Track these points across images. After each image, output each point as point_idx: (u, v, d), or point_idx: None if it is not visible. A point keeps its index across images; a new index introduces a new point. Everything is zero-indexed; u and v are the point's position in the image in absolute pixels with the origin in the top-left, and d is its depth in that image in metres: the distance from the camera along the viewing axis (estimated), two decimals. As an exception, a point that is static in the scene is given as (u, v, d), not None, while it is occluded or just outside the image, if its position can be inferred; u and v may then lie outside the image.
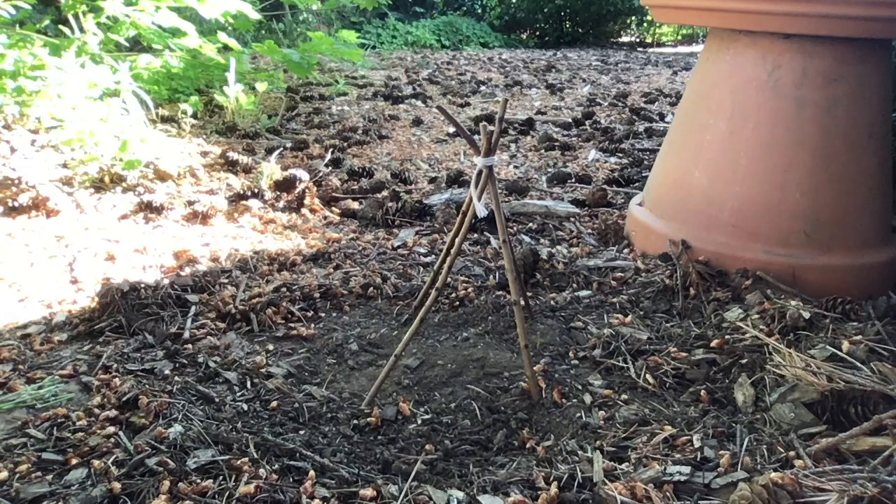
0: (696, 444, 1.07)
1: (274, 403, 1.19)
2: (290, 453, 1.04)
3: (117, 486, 0.95)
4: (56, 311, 1.51)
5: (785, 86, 1.61)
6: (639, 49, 9.78)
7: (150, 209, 2.12)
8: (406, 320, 1.53)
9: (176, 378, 1.24)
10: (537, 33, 10.08)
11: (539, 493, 0.96)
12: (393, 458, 1.06)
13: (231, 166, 2.64)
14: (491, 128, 1.12)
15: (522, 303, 1.41)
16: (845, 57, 1.58)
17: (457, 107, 4.26)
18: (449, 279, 1.69)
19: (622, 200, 2.47)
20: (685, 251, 1.68)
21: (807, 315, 1.38)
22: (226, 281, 1.67)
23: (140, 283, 1.53)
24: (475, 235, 2.07)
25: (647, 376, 1.29)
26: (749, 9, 1.59)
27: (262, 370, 1.30)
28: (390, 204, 2.22)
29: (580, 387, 1.26)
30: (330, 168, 2.79)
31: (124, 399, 1.14)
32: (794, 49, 1.60)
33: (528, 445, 1.12)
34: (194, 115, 3.35)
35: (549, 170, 2.90)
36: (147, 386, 1.17)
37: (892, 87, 1.70)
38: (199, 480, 0.97)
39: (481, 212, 1.05)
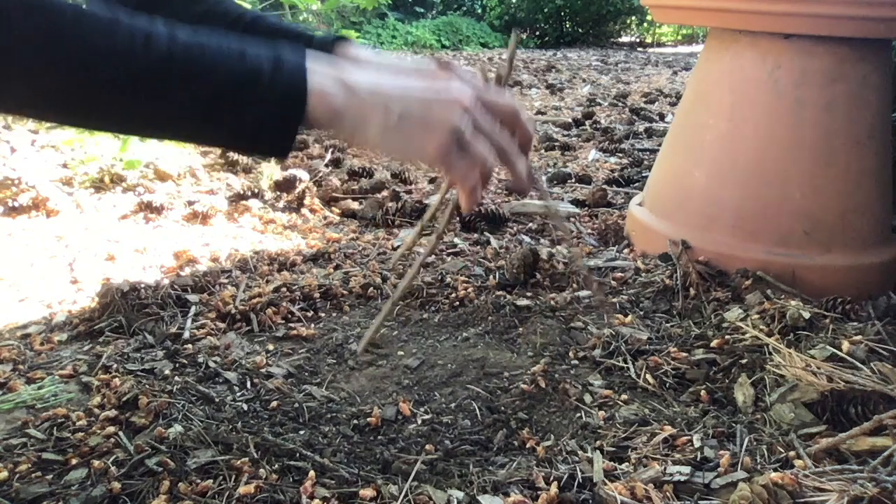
0: (696, 444, 1.07)
1: (274, 403, 1.19)
2: (290, 453, 1.04)
3: (117, 486, 0.95)
4: (56, 311, 1.51)
5: (785, 86, 1.61)
6: (639, 49, 9.78)
7: (150, 209, 2.12)
8: (405, 320, 1.53)
9: (176, 378, 1.24)
10: (537, 33, 10.09)
11: (539, 493, 0.96)
12: (393, 458, 1.06)
13: (231, 166, 2.64)
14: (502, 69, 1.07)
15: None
16: (845, 57, 1.58)
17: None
18: (449, 279, 1.69)
19: (622, 200, 2.48)
20: (685, 251, 1.68)
21: (807, 315, 1.38)
22: (226, 281, 1.67)
23: (140, 283, 1.54)
24: (475, 235, 2.07)
25: (647, 376, 1.29)
26: (749, 9, 1.59)
27: (262, 370, 1.30)
28: (390, 204, 2.22)
29: (580, 387, 1.26)
30: (330, 168, 2.79)
31: (124, 399, 1.14)
32: (794, 49, 1.60)
33: (528, 445, 1.12)
34: (194, 115, 3.35)
35: (549, 170, 2.90)
36: (147, 386, 1.17)
37: (892, 87, 1.70)
38: (199, 480, 0.97)
39: None
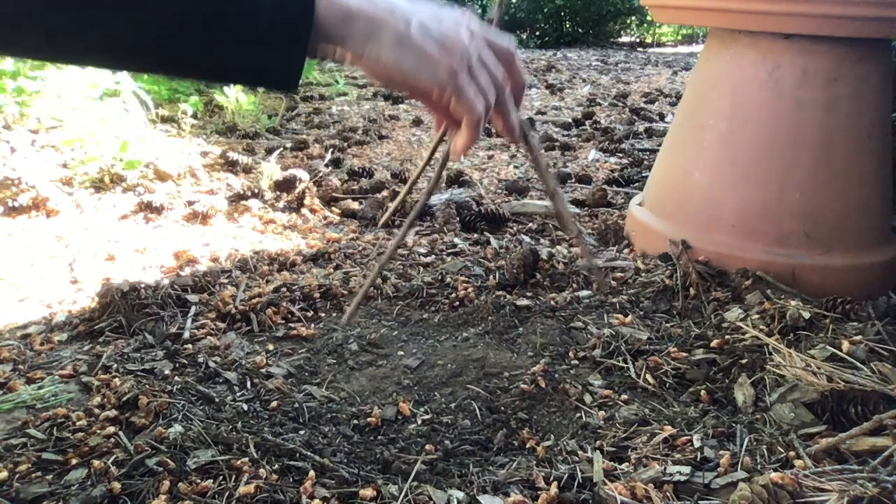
0: (696, 444, 1.07)
1: (274, 403, 1.19)
2: (290, 453, 1.04)
3: (117, 486, 0.95)
4: (56, 311, 1.51)
5: (785, 86, 1.61)
6: (639, 49, 9.79)
7: (150, 209, 2.12)
8: (405, 320, 1.53)
9: (176, 378, 1.24)
10: (537, 33, 10.08)
11: (539, 493, 0.96)
12: (393, 458, 1.06)
13: (231, 166, 2.64)
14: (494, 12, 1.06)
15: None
16: (845, 57, 1.58)
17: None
18: (449, 279, 1.69)
19: (622, 200, 2.47)
20: (685, 251, 1.68)
21: (807, 315, 1.38)
22: (226, 281, 1.67)
23: (140, 283, 1.53)
24: (475, 235, 2.07)
25: (647, 376, 1.29)
26: (749, 9, 1.59)
27: (262, 370, 1.30)
28: (390, 204, 2.22)
29: (580, 387, 1.26)
30: (330, 168, 2.79)
31: (124, 399, 1.14)
32: (794, 49, 1.60)
33: (528, 445, 1.12)
34: (194, 115, 3.35)
35: (549, 170, 2.90)
36: (147, 386, 1.17)
37: (892, 87, 1.70)
38: (199, 480, 0.97)
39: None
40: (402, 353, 1.40)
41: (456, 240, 2.01)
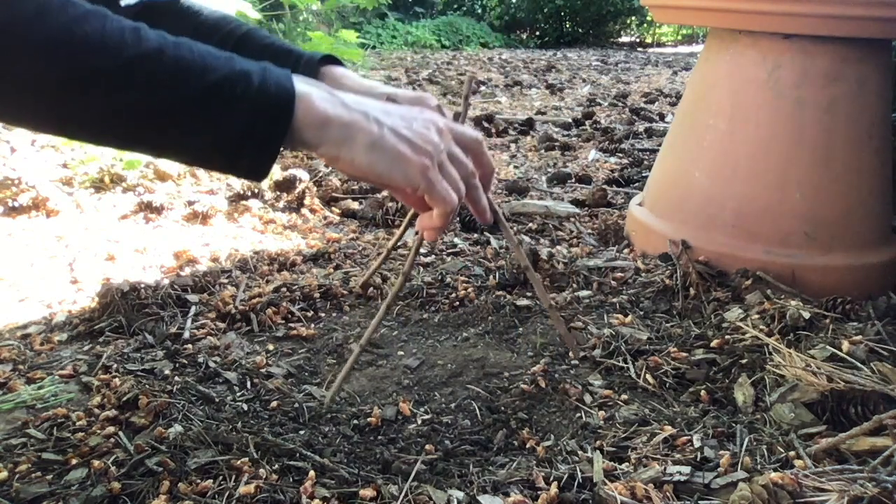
0: (696, 444, 1.07)
1: (274, 403, 1.19)
2: (290, 453, 1.04)
3: (117, 486, 0.95)
4: (56, 311, 1.51)
5: (785, 86, 1.61)
6: (639, 49, 9.79)
7: (150, 209, 2.12)
8: (405, 320, 1.53)
9: (176, 378, 1.24)
10: (537, 33, 10.09)
11: (539, 493, 0.96)
12: (393, 458, 1.06)
13: (231, 166, 2.63)
14: (458, 109, 1.13)
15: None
16: (846, 57, 1.58)
17: (456, 107, 4.27)
18: (449, 279, 1.69)
19: (622, 200, 2.48)
20: (685, 251, 1.68)
21: (807, 315, 1.38)
22: (226, 281, 1.67)
23: (140, 283, 1.54)
24: (475, 235, 2.07)
25: (647, 376, 1.29)
26: (749, 9, 1.59)
27: (262, 370, 1.30)
28: (390, 204, 2.22)
29: (580, 387, 1.26)
30: (330, 168, 2.79)
31: (124, 399, 1.14)
32: (795, 49, 1.60)
33: (528, 445, 1.12)
34: (194, 115, 3.35)
35: (549, 170, 2.90)
36: (147, 386, 1.17)
37: (892, 87, 1.70)
38: (198, 480, 0.97)
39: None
40: (402, 353, 1.40)
41: (456, 240, 2.01)
